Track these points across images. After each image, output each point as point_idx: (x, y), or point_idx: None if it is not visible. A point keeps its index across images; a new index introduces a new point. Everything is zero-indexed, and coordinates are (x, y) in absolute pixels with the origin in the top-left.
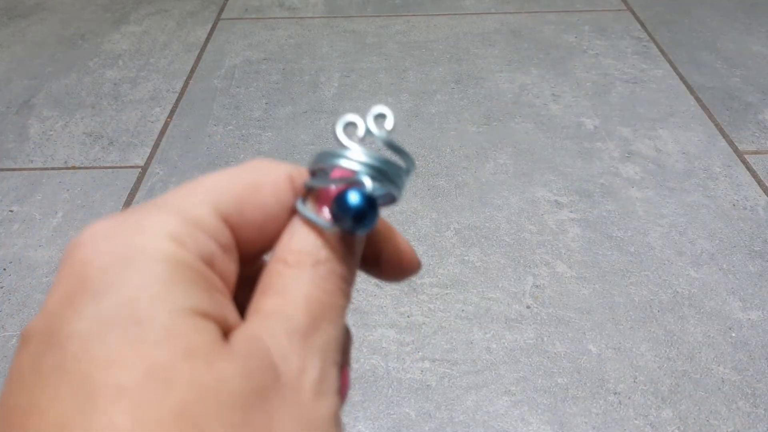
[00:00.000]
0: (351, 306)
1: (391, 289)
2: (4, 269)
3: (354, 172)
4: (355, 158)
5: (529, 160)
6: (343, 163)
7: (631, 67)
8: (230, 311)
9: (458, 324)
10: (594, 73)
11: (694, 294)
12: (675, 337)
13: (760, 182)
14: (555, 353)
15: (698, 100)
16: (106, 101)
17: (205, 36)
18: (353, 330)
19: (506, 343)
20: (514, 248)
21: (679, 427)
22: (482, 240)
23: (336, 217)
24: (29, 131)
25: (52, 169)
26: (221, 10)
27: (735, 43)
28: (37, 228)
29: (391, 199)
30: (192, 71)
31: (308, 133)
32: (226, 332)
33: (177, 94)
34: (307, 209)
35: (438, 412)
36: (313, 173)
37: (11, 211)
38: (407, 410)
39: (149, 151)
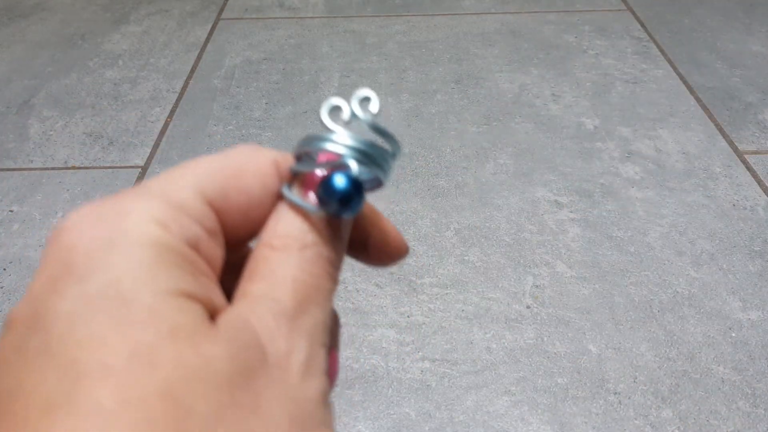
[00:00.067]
0: (351, 306)
1: (391, 289)
2: (4, 269)
3: (339, 156)
4: (340, 141)
5: (529, 160)
6: (328, 146)
7: (631, 67)
8: (216, 294)
9: (458, 324)
10: (594, 73)
11: (694, 294)
12: (675, 337)
13: (760, 182)
14: (555, 353)
15: (698, 100)
16: (106, 101)
17: (205, 36)
18: (353, 330)
19: (506, 343)
20: (514, 248)
21: (679, 427)
22: (482, 240)
23: (322, 200)
24: (29, 131)
25: (52, 169)
26: (221, 10)
27: (735, 43)
28: (37, 228)
29: (377, 184)
30: (192, 71)
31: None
32: (212, 315)
33: (177, 94)
34: (293, 194)
35: (438, 412)
36: (299, 158)
37: (11, 211)
38: (407, 410)
39: (149, 151)
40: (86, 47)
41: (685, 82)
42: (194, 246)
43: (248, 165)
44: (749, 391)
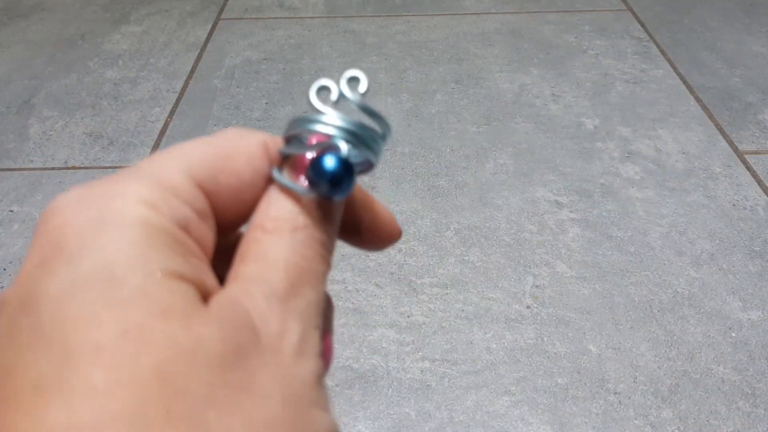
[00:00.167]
0: (351, 306)
1: (391, 289)
2: (4, 269)
3: (329, 137)
4: (329, 123)
5: (529, 160)
6: (317, 127)
7: (631, 67)
8: (208, 276)
9: (458, 324)
10: (594, 73)
11: (694, 294)
12: (675, 337)
13: (760, 182)
14: (555, 353)
15: (698, 100)
16: (106, 101)
17: (205, 36)
18: (353, 330)
19: (506, 343)
20: (514, 248)
21: (679, 427)
22: (482, 240)
23: (312, 182)
24: (29, 131)
25: (52, 169)
26: (221, 10)
27: (735, 43)
28: None
29: (368, 165)
30: (192, 71)
31: None
32: (204, 297)
33: (177, 94)
34: (283, 177)
35: (438, 412)
36: (288, 140)
37: (11, 211)
38: (407, 410)
39: (149, 151)
40: (86, 47)
41: (685, 82)
42: (185, 227)
43: (238, 147)
44: (749, 391)
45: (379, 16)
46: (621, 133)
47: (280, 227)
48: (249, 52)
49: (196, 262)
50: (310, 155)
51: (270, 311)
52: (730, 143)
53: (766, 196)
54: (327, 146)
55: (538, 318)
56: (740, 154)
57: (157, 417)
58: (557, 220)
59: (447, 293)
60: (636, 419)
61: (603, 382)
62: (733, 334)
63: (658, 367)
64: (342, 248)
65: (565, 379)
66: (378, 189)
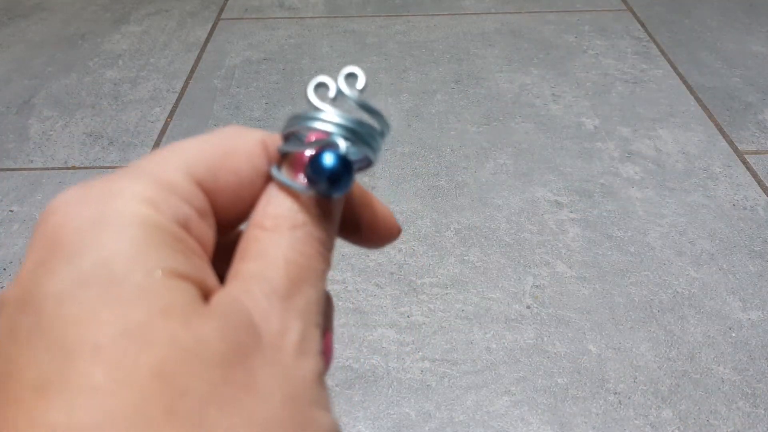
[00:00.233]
0: (351, 306)
1: (391, 289)
2: (4, 269)
3: (327, 134)
4: (328, 120)
5: (529, 160)
6: (315, 125)
7: (631, 67)
8: (208, 274)
9: (458, 324)
10: (594, 73)
11: (694, 294)
12: (675, 337)
13: (760, 182)
14: (555, 353)
15: (698, 100)
16: (106, 101)
17: (205, 36)
18: (353, 330)
19: (506, 343)
20: (514, 248)
21: (679, 427)
22: (482, 240)
23: (311, 180)
24: (29, 131)
25: (52, 169)
26: (221, 10)
27: (735, 43)
28: None
29: (367, 163)
30: (192, 71)
31: None
32: (205, 295)
33: (177, 94)
34: (282, 174)
35: (438, 412)
36: (286, 138)
37: (11, 211)
38: (407, 410)
39: (149, 151)
40: (86, 47)
41: (685, 82)
42: (185, 226)
43: (236, 145)
44: (749, 391)
45: (379, 16)
46: (621, 133)
47: (279, 225)
48: (249, 52)
49: (197, 260)
50: (308, 153)
51: (270, 309)
52: (730, 143)
53: (766, 196)
54: (325, 143)
55: (538, 318)
56: (740, 154)
57: (157, 416)
58: (557, 220)
59: (447, 293)
60: (636, 419)
61: (603, 382)
62: (733, 334)
63: (658, 367)
64: (342, 248)
65: (565, 379)
66: (378, 189)
